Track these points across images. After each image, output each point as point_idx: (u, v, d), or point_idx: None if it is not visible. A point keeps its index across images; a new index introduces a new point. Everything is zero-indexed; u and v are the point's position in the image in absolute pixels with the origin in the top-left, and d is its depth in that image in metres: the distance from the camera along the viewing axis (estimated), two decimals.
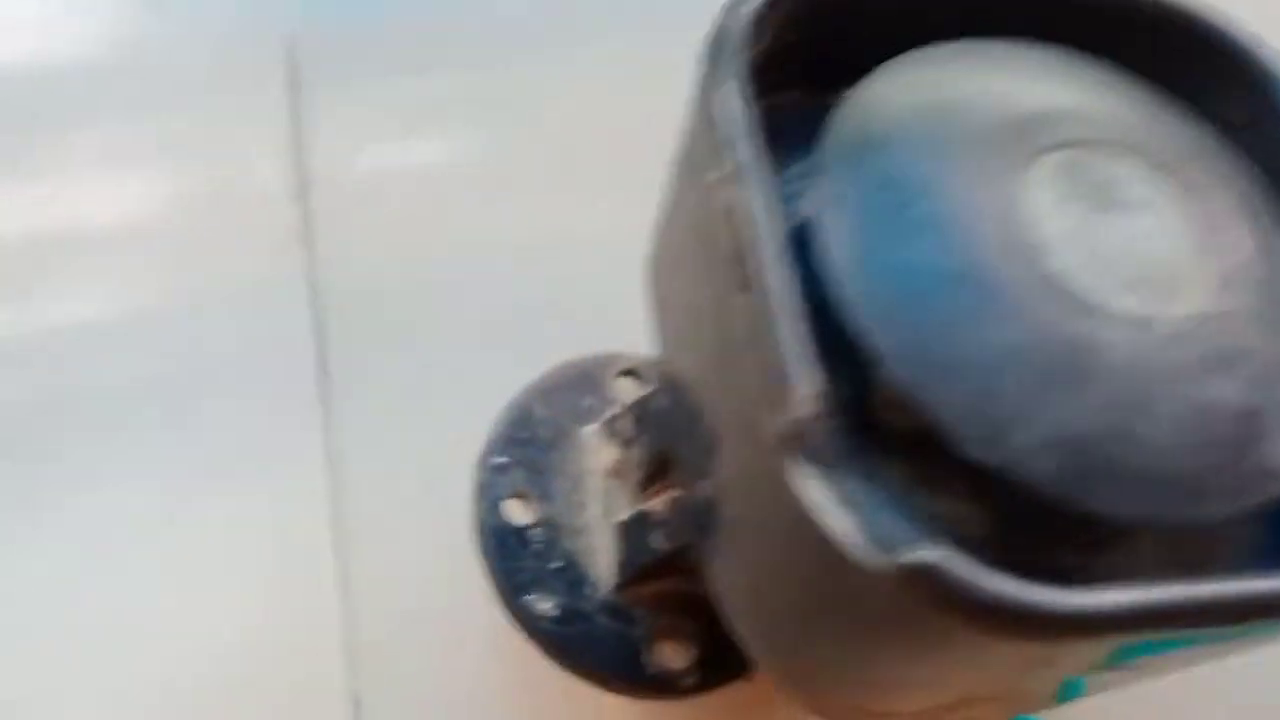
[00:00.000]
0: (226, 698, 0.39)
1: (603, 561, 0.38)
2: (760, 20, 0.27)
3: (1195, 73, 0.31)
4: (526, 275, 0.47)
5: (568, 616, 0.37)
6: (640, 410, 0.38)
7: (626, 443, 0.38)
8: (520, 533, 0.37)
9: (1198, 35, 0.31)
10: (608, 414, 0.40)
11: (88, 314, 0.46)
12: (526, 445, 0.39)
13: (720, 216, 0.24)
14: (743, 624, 0.29)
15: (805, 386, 0.22)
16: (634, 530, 0.37)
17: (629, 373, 0.42)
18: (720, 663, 0.38)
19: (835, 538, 0.22)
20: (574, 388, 0.41)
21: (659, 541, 0.35)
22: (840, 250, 0.25)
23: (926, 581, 0.21)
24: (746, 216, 0.24)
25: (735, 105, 0.25)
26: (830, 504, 0.22)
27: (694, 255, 0.27)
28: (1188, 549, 0.27)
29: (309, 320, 0.46)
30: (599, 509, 0.38)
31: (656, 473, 0.36)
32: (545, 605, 0.37)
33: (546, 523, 0.38)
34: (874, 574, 0.21)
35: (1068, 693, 0.28)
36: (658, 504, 0.36)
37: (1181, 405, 0.25)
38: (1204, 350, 0.26)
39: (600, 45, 0.51)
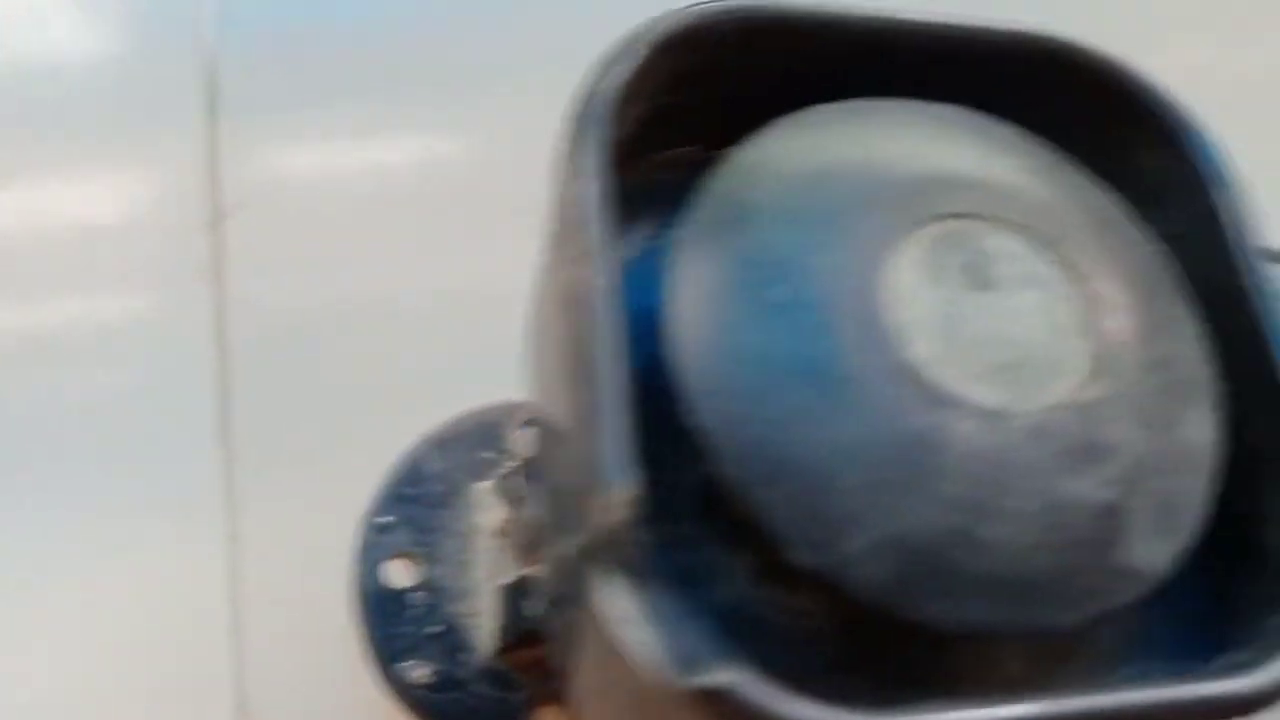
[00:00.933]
0: None
1: (485, 626, 0.36)
2: (630, 88, 0.25)
3: (1107, 128, 0.29)
4: (442, 321, 0.46)
5: (444, 683, 0.35)
6: (530, 468, 0.37)
7: (516, 501, 0.37)
8: (398, 597, 0.36)
9: (1110, 88, 0.29)
10: (502, 469, 0.39)
11: None
12: (415, 502, 0.38)
13: (570, 299, 0.23)
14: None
15: (618, 492, 0.21)
16: (512, 595, 0.35)
17: (531, 424, 0.40)
18: None
19: (631, 653, 0.20)
20: (472, 440, 0.40)
21: (532, 609, 0.34)
22: (685, 336, 0.23)
23: (721, 703, 0.20)
24: (587, 305, 0.22)
25: (590, 182, 0.23)
26: (633, 616, 0.21)
27: (556, 329, 0.26)
28: (1045, 644, 0.25)
29: (214, 358, 0.44)
30: (484, 571, 0.37)
31: (541, 536, 0.35)
32: (420, 672, 0.35)
33: (430, 585, 0.37)
34: (669, 693, 0.20)
35: None
36: (538, 569, 0.35)
37: (1034, 505, 0.24)
38: (1064, 444, 0.24)
39: (521, 80, 0.49)
